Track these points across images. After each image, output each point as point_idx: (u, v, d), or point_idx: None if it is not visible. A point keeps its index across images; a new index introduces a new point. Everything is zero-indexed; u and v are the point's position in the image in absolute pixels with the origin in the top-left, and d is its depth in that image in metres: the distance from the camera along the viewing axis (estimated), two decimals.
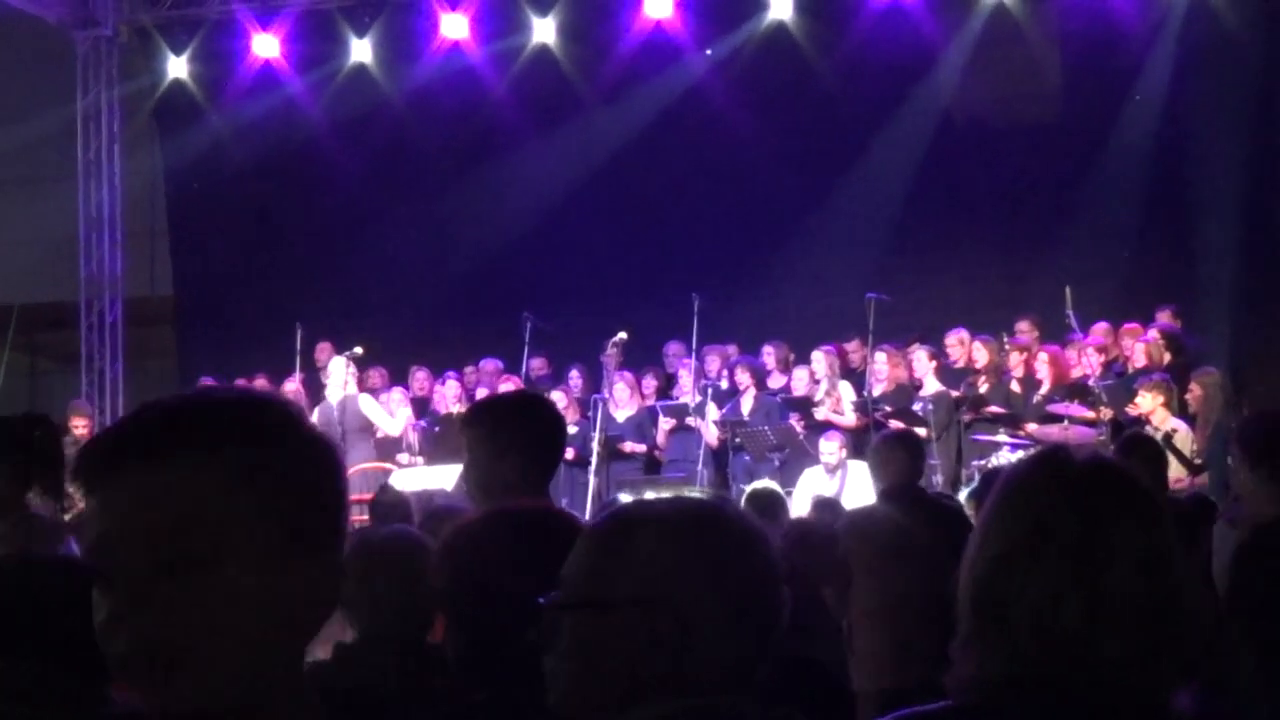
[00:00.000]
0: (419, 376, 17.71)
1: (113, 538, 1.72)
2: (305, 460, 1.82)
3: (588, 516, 10.92)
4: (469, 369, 17.65)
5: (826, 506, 10.41)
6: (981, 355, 15.52)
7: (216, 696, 1.73)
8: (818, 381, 15.86)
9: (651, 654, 2.25)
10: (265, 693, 1.78)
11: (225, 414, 1.78)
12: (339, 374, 16.11)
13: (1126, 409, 13.94)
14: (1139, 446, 8.57)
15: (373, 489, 14.49)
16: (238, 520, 1.73)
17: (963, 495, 9.88)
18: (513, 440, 4.94)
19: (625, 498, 11.81)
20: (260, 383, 17.68)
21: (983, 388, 15.27)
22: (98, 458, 1.75)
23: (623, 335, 16.92)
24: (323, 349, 18.11)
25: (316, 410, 15.96)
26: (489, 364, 17.61)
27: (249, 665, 1.75)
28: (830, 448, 14.34)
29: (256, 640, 1.75)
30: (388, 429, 16.12)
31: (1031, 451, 2.50)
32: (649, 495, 2.46)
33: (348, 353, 16.39)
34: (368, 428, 16.00)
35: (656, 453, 16.31)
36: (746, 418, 15.64)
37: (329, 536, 1.83)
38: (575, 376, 17.23)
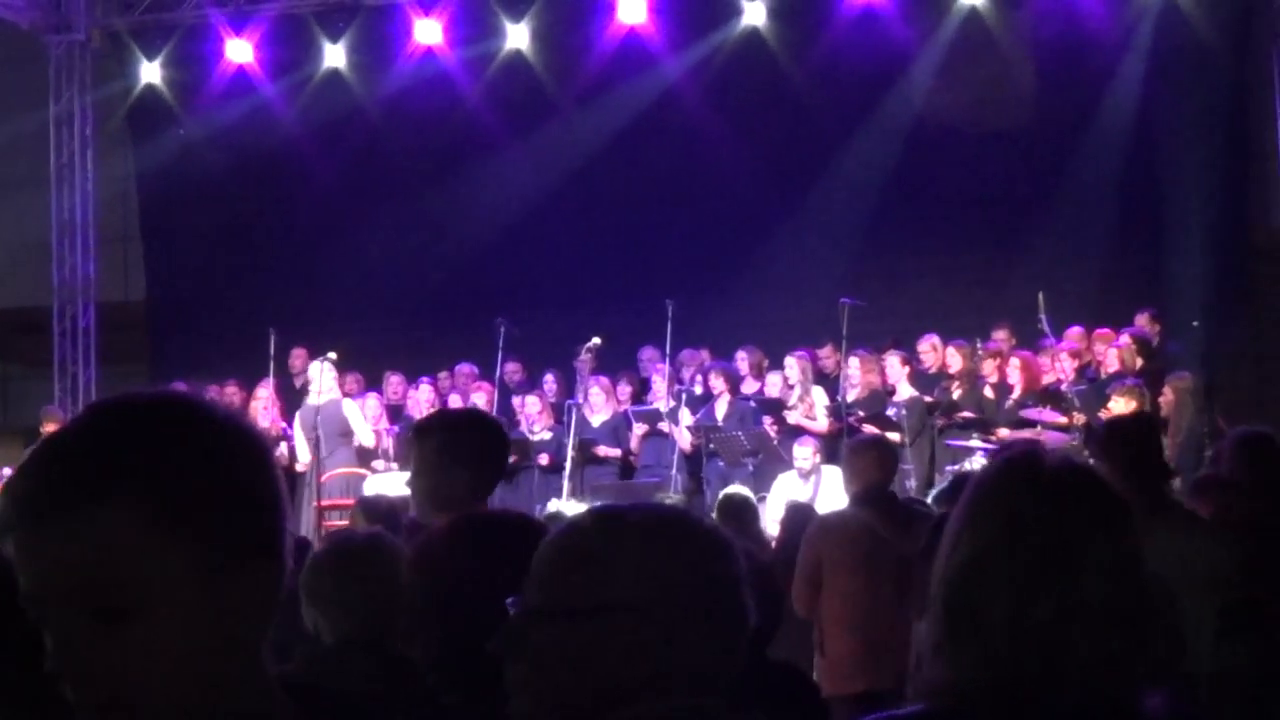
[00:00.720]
0: (393, 382, 17.68)
1: (40, 592, 1.68)
2: (230, 464, 1.76)
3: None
4: (443, 374, 17.64)
5: (800, 511, 10.43)
6: (955, 360, 15.56)
7: None
8: (791, 387, 15.88)
9: (628, 661, 2.25)
10: (223, 704, 1.75)
11: (140, 446, 1.71)
12: (320, 378, 16.05)
13: (1099, 414, 13.97)
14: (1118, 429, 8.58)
15: (352, 494, 14.53)
16: (167, 556, 1.68)
17: (930, 497, 9.90)
18: (461, 454, 5.11)
19: (556, 506, 11.82)
20: (231, 389, 17.67)
21: (956, 393, 15.30)
22: (14, 507, 1.69)
23: (597, 340, 16.92)
24: (297, 355, 18.07)
25: (297, 414, 15.92)
26: (464, 369, 17.59)
27: (201, 691, 1.72)
28: (804, 453, 14.35)
29: (205, 669, 1.72)
30: (363, 438, 16.07)
31: (1002, 454, 2.49)
32: (576, 506, 2.47)
33: (321, 358, 16.36)
34: (348, 432, 15.95)
35: (631, 458, 16.30)
36: (720, 423, 15.64)
37: (265, 536, 1.78)
38: (550, 381, 17.22)
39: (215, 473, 1.74)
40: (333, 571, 4.54)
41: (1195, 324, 16.52)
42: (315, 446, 15.55)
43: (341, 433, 15.80)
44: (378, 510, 9.13)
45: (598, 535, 2.34)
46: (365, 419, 16.31)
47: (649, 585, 2.26)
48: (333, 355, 16.30)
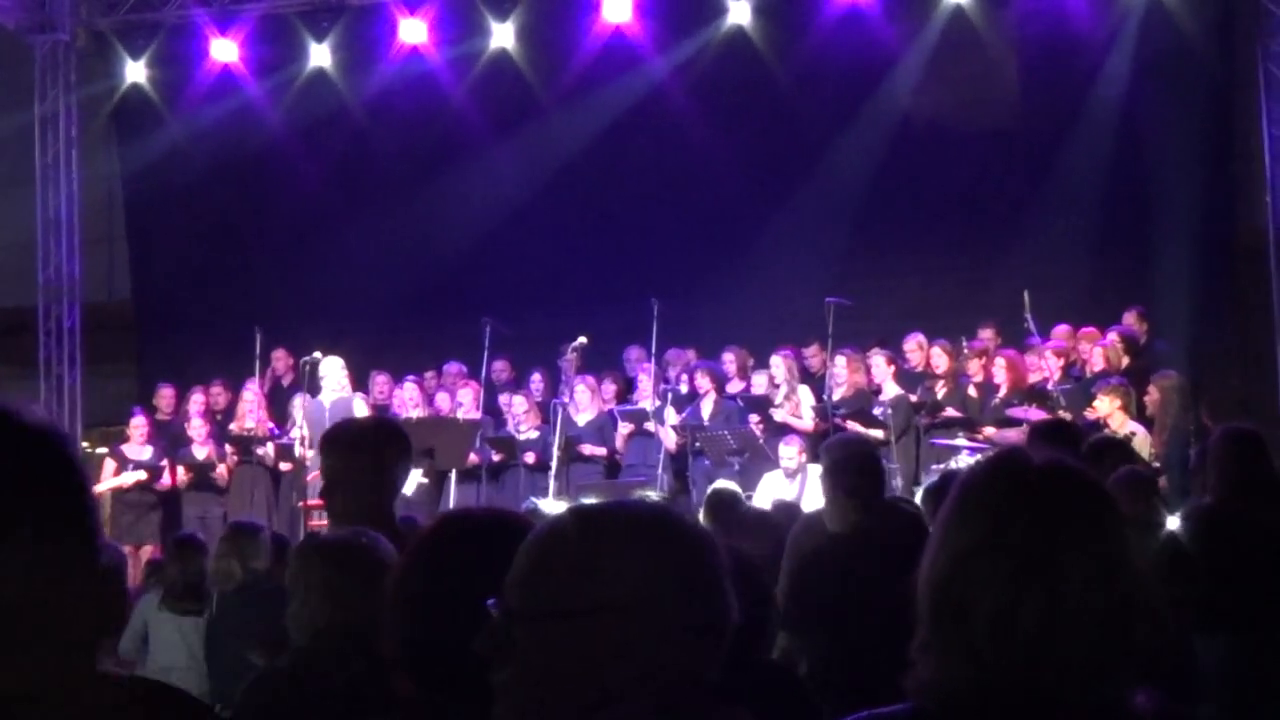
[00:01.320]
0: (379, 381, 17.65)
1: None
2: (60, 473, 1.76)
3: None
4: (429, 374, 17.63)
5: (786, 510, 10.42)
6: (940, 360, 15.58)
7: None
8: (777, 386, 15.89)
9: (612, 662, 2.24)
10: (46, 699, 1.75)
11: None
12: (335, 375, 15.91)
13: (1085, 413, 13.99)
14: (1109, 451, 8.59)
15: None
16: (27, 568, 1.68)
17: (919, 495, 9.88)
18: (384, 463, 5.39)
19: (539, 504, 11.78)
20: (217, 389, 17.66)
21: (940, 392, 15.32)
22: None
23: (583, 340, 16.94)
24: (278, 355, 18.06)
25: (307, 406, 15.79)
26: (452, 367, 17.59)
27: (44, 694, 1.72)
28: (790, 452, 14.37)
29: (52, 673, 1.73)
30: None
31: (989, 453, 2.49)
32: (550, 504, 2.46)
33: (305, 358, 16.32)
34: None
35: (617, 457, 16.30)
36: (706, 422, 15.65)
37: (80, 543, 1.77)
38: (536, 380, 17.23)
39: (75, 482, 1.77)
40: (318, 560, 4.55)
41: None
42: (310, 443, 15.45)
43: None
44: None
45: (578, 535, 2.33)
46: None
47: (631, 585, 2.26)
48: (317, 355, 16.26)
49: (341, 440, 5.62)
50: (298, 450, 15.78)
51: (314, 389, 16.17)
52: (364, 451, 5.44)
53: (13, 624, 1.74)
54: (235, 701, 4.65)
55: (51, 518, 1.73)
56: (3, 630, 1.73)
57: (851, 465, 7.72)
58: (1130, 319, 15.93)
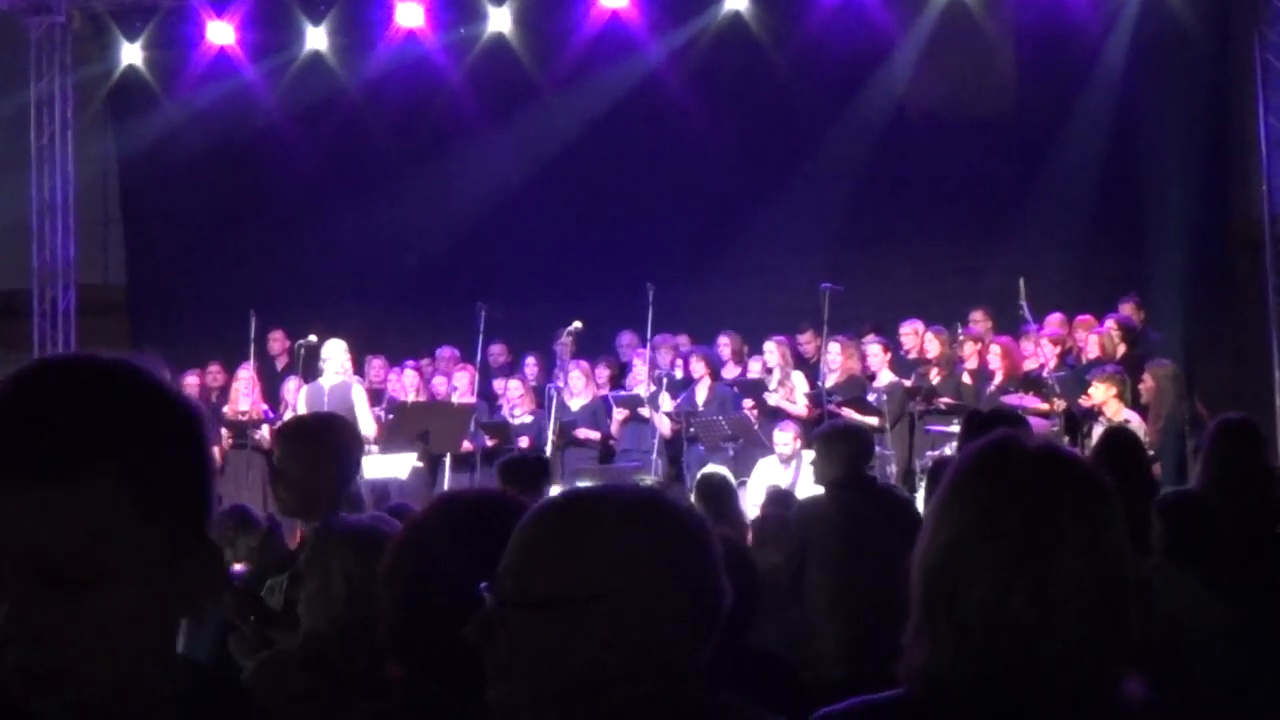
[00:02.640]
0: (375, 365, 17.64)
1: None
2: (197, 448, 1.77)
3: None
4: (425, 360, 17.62)
5: (780, 497, 10.43)
6: (934, 347, 15.57)
7: (96, 703, 1.70)
8: (770, 371, 15.89)
9: (606, 648, 2.24)
10: (149, 681, 1.76)
11: (118, 421, 1.69)
12: (337, 358, 15.76)
13: (1080, 400, 14.01)
14: (1119, 440, 8.57)
15: None
16: (136, 534, 1.68)
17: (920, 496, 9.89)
18: (329, 455, 5.50)
19: None
20: (212, 371, 17.64)
21: (935, 379, 15.32)
22: None
23: (577, 325, 16.93)
24: (275, 337, 18.04)
25: (306, 390, 15.73)
26: (445, 352, 17.58)
27: (138, 667, 1.73)
28: (785, 438, 14.36)
29: (147, 646, 1.73)
30: (364, 426, 15.70)
31: (982, 439, 2.49)
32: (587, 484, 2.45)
33: (300, 341, 16.29)
34: (352, 418, 15.60)
35: (611, 442, 16.30)
36: (701, 408, 15.65)
37: (204, 518, 1.78)
38: (531, 365, 17.23)
39: (185, 455, 1.75)
40: (336, 547, 4.53)
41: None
42: None
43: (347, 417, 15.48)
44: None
45: (571, 521, 2.33)
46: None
47: (625, 571, 2.25)
48: (313, 338, 16.22)
49: (288, 432, 5.81)
50: None
51: (309, 373, 16.12)
52: (309, 442, 5.57)
53: (179, 619, 1.79)
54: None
55: (157, 474, 1.73)
56: (171, 625, 1.78)
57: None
58: (1127, 308, 15.93)
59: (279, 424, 6.08)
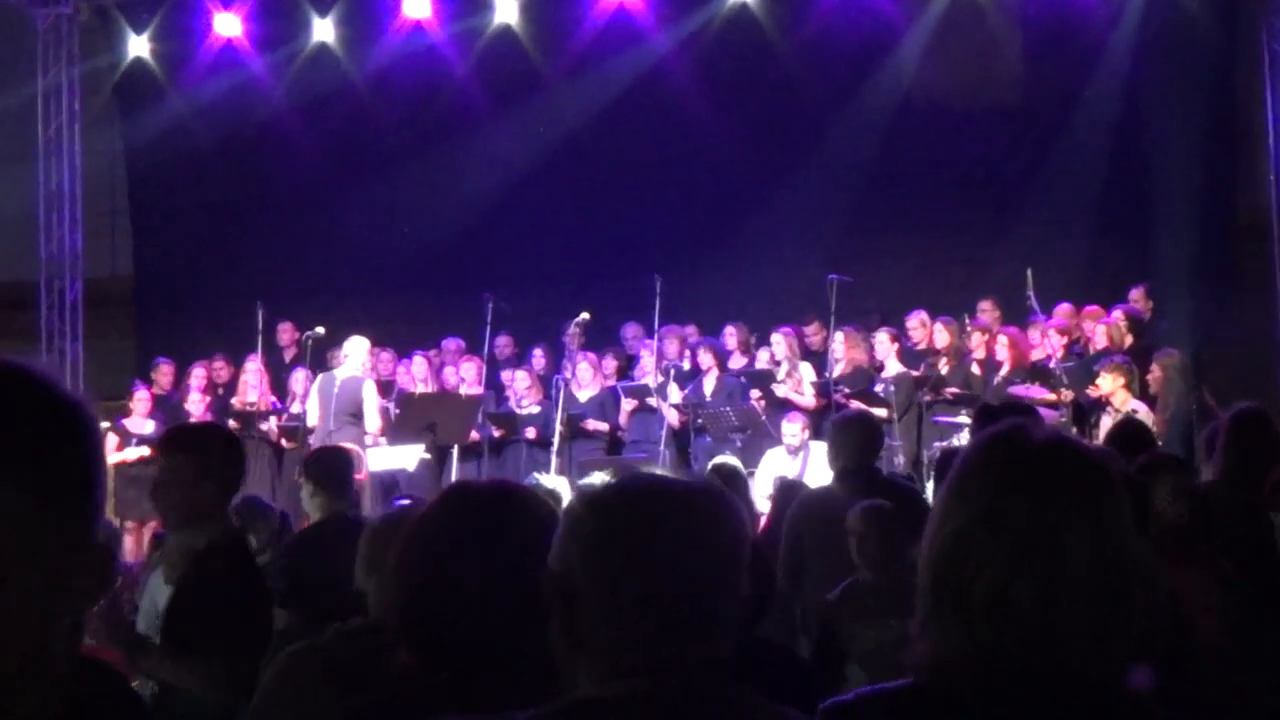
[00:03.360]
0: (383, 358, 17.64)
1: None
2: (91, 445, 1.77)
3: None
4: (432, 352, 17.62)
5: (788, 488, 10.42)
6: (942, 337, 15.57)
7: None
8: (778, 362, 15.90)
9: (657, 637, 2.28)
10: (44, 677, 1.76)
11: (21, 422, 1.71)
12: (358, 355, 15.67)
13: (1087, 391, 14.00)
14: (1129, 430, 8.56)
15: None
16: (35, 530, 1.69)
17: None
18: (213, 466, 5.59)
19: (540, 479, 11.77)
20: (219, 363, 17.65)
21: (943, 369, 15.32)
22: None
23: (585, 315, 16.94)
24: (284, 329, 18.05)
25: (319, 379, 15.70)
26: (451, 343, 17.59)
27: (31, 662, 1.73)
28: (793, 429, 14.36)
29: (41, 642, 1.73)
30: (369, 422, 15.67)
31: (989, 429, 2.49)
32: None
33: (308, 333, 16.30)
34: (360, 413, 15.61)
35: (619, 433, 16.30)
36: (708, 399, 15.65)
37: (94, 513, 1.79)
38: (538, 356, 17.23)
39: (73, 455, 1.76)
40: (385, 541, 4.53)
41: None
42: (321, 418, 15.38)
43: (353, 411, 15.51)
44: (326, 468, 9.12)
45: (638, 519, 2.35)
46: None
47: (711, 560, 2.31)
48: (320, 330, 16.24)
49: (172, 440, 5.83)
50: (313, 422, 15.65)
51: (317, 364, 16.14)
52: (190, 453, 5.62)
53: (70, 614, 1.78)
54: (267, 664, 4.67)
55: (49, 473, 1.73)
56: (64, 621, 1.77)
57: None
58: (1136, 296, 15.93)
59: (169, 433, 6.10)
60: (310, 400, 15.83)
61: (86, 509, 1.77)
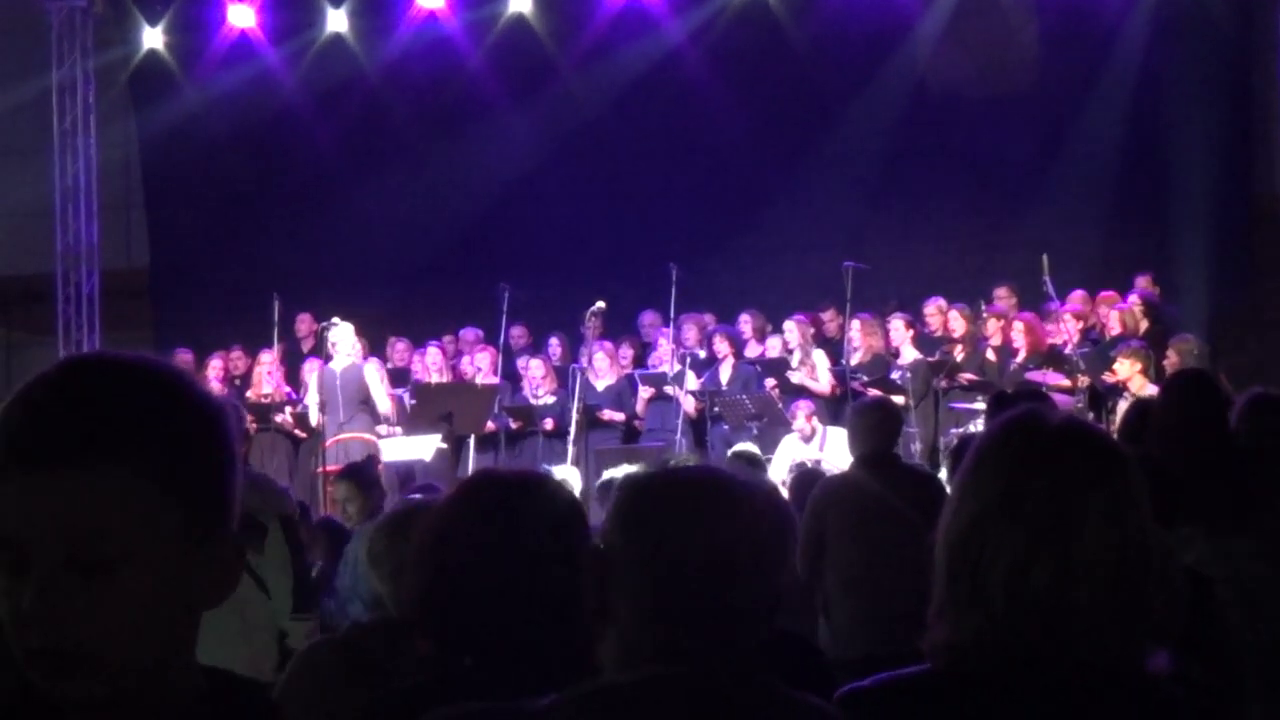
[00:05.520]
0: (398, 348, 17.65)
1: (26, 537, 1.70)
2: (219, 437, 1.81)
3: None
4: (447, 338, 17.61)
5: (806, 475, 10.43)
6: (958, 323, 15.56)
7: (121, 690, 1.74)
8: (791, 351, 15.90)
9: (694, 627, 2.30)
10: (169, 670, 1.80)
11: (143, 409, 1.75)
12: (346, 341, 15.75)
13: (1103, 376, 13.99)
14: (1145, 412, 8.56)
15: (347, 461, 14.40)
16: (157, 518, 1.73)
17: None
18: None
19: (558, 471, 11.67)
20: (235, 355, 17.67)
21: (959, 356, 15.31)
22: (14, 454, 1.71)
23: (601, 304, 16.91)
24: (303, 320, 18.06)
25: (317, 373, 15.76)
26: (468, 333, 17.58)
27: (159, 653, 1.77)
28: (799, 416, 14.42)
29: (168, 633, 1.77)
30: (380, 404, 15.76)
31: (1005, 414, 2.50)
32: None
33: (324, 323, 16.32)
34: (368, 398, 15.65)
35: (636, 422, 16.29)
36: (724, 386, 15.65)
37: (225, 511, 1.82)
38: (555, 345, 17.23)
39: (206, 451, 1.79)
40: (391, 537, 4.50)
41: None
42: (324, 409, 15.41)
43: (361, 399, 15.55)
44: (368, 477, 9.11)
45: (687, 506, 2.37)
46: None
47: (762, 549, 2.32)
48: (336, 320, 16.26)
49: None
50: (314, 417, 15.72)
51: (328, 356, 16.18)
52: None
53: (197, 606, 1.82)
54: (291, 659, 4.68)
55: (181, 470, 1.77)
56: (190, 613, 1.81)
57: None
58: (1143, 283, 15.92)
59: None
60: (310, 395, 15.90)
61: (217, 507, 1.81)
